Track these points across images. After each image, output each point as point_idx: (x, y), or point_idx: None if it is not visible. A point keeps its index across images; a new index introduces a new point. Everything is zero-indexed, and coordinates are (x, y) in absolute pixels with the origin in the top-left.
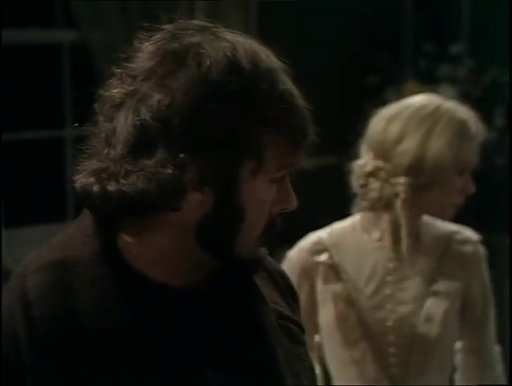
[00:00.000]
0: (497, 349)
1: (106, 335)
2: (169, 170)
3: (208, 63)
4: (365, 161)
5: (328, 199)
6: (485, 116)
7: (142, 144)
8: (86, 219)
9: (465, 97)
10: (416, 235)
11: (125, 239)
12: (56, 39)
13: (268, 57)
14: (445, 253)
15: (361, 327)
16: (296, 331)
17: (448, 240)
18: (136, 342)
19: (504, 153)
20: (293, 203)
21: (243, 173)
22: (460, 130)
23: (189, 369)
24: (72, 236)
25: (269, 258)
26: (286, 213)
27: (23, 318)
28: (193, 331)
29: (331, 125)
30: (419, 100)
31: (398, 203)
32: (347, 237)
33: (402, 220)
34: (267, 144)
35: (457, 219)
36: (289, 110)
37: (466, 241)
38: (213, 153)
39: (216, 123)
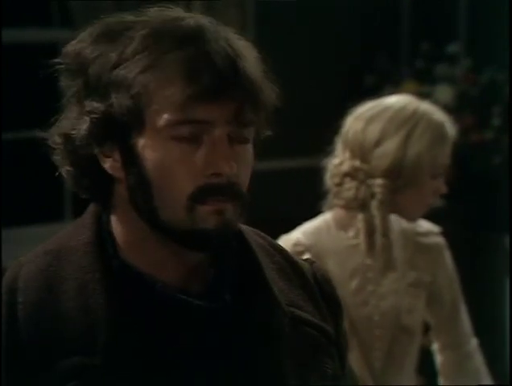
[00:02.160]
0: (474, 341)
1: (82, 324)
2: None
3: (107, 19)
4: (341, 160)
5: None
6: (483, 115)
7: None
8: (88, 213)
9: (463, 97)
10: (387, 231)
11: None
12: (53, 38)
13: (192, 23)
14: (413, 246)
15: (349, 325)
16: (317, 337)
17: (412, 233)
18: (110, 331)
19: (501, 152)
20: (218, 166)
21: (133, 128)
22: (438, 134)
23: (171, 365)
24: (72, 228)
25: (317, 265)
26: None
27: (8, 304)
28: (177, 327)
29: (329, 125)
30: (396, 101)
31: (374, 204)
32: (323, 236)
33: (377, 221)
34: (152, 95)
35: (456, 218)
36: (182, 63)
37: (429, 233)
38: (99, 104)
39: (98, 75)
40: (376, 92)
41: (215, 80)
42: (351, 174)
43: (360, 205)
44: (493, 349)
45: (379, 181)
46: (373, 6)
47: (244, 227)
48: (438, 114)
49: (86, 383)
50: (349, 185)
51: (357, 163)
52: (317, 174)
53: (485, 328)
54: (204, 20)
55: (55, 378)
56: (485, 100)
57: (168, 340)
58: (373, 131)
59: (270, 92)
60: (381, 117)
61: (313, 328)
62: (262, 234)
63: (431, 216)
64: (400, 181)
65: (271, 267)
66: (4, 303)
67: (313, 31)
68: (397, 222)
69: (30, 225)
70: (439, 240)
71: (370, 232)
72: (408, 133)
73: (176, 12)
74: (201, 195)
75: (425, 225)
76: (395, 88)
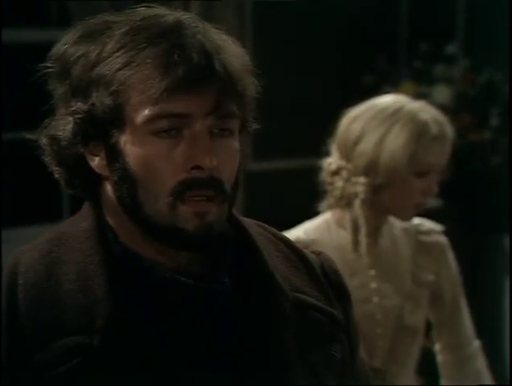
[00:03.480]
0: (476, 343)
1: (82, 305)
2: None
3: (89, 20)
4: (332, 159)
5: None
6: (481, 116)
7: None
8: (88, 202)
9: (461, 97)
10: (388, 229)
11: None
12: (52, 38)
13: (171, 20)
14: (415, 244)
15: None
16: (324, 321)
17: (415, 231)
18: (109, 311)
19: (500, 153)
20: (198, 160)
21: (115, 126)
22: (418, 132)
23: (168, 350)
24: (73, 218)
25: (324, 255)
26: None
27: (8, 286)
28: (176, 308)
29: (328, 125)
30: (384, 100)
31: (357, 203)
32: (324, 234)
33: (361, 220)
34: (130, 92)
35: (456, 219)
36: (157, 58)
37: (431, 232)
38: (84, 105)
39: (80, 75)
40: (375, 92)
41: (190, 72)
42: (338, 173)
43: (346, 204)
44: (493, 349)
45: (361, 179)
46: (372, 7)
47: (244, 218)
48: (424, 113)
49: (85, 362)
50: (337, 184)
51: (343, 162)
52: (317, 174)
53: (485, 328)
54: (183, 16)
55: (53, 357)
56: (482, 100)
57: (167, 321)
58: (355, 129)
59: (250, 85)
60: (364, 116)
61: (320, 313)
62: (264, 225)
63: (430, 216)
64: (379, 179)
65: (275, 255)
66: (4, 286)
67: (313, 32)
68: (398, 220)
69: (29, 225)
70: (442, 238)
71: (356, 231)
72: (386, 131)
73: (159, 10)
74: (183, 189)
75: (427, 224)
76: (394, 89)
